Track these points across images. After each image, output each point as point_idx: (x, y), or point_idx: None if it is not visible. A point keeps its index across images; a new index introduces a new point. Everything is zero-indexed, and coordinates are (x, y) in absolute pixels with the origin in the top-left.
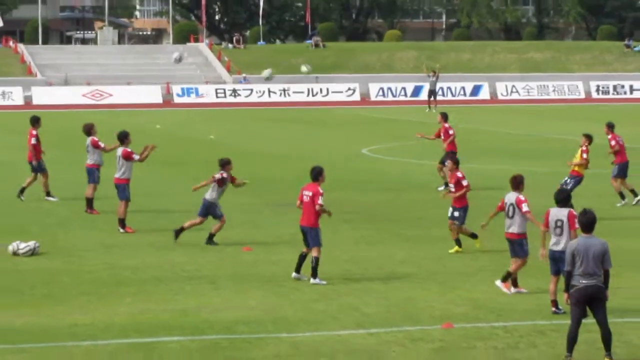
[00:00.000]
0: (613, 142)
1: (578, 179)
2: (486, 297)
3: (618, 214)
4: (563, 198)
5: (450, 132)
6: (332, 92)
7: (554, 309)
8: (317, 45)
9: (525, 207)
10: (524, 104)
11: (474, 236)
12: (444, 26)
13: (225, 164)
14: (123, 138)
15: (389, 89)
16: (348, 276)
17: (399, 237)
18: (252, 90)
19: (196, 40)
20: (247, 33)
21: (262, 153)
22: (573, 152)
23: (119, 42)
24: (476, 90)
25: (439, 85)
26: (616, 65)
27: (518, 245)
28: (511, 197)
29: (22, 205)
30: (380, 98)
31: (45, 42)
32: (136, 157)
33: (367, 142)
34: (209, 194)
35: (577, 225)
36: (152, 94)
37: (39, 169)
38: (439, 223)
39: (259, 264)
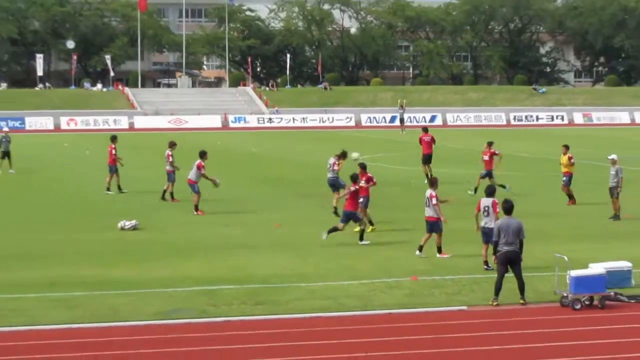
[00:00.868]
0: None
1: (570, 176)
2: (439, 259)
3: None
4: (490, 192)
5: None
6: (336, 119)
7: (485, 266)
8: (325, 88)
9: (434, 200)
10: (464, 128)
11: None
12: (411, 75)
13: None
14: (202, 154)
15: (374, 117)
16: (345, 243)
17: (379, 218)
18: (282, 118)
19: (244, 85)
20: (278, 80)
21: (288, 161)
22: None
23: (192, 86)
24: (433, 118)
25: (407, 115)
26: (526, 102)
27: (436, 225)
28: (428, 192)
29: (125, 197)
30: (368, 124)
31: (142, 86)
32: (204, 171)
33: (360, 153)
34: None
35: (497, 210)
36: (214, 121)
37: (112, 170)
38: (406, 208)
39: (286, 236)
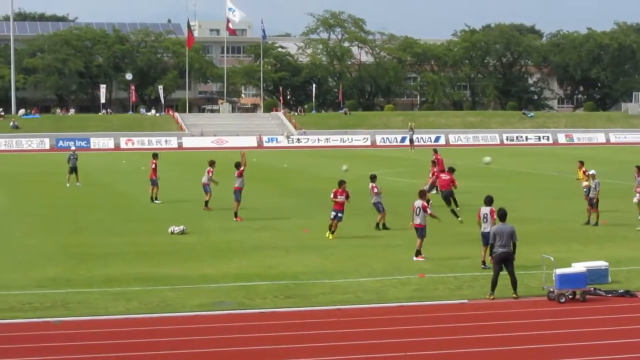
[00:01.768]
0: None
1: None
2: (443, 258)
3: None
4: (489, 201)
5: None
6: (354, 140)
7: (482, 266)
8: (345, 113)
9: (429, 210)
10: (464, 147)
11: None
12: (418, 102)
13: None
14: (238, 165)
15: (387, 138)
16: (363, 245)
17: (393, 224)
18: (308, 139)
19: (276, 110)
20: (305, 106)
21: (314, 174)
22: (490, 173)
23: (232, 111)
24: (437, 138)
25: (415, 136)
26: (517, 125)
27: (422, 230)
28: (417, 203)
29: (174, 206)
30: (382, 143)
31: (189, 111)
32: (242, 168)
33: (375, 168)
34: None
35: (495, 217)
36: (250, 141)
37: (154, 183)
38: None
39: (312, 239)
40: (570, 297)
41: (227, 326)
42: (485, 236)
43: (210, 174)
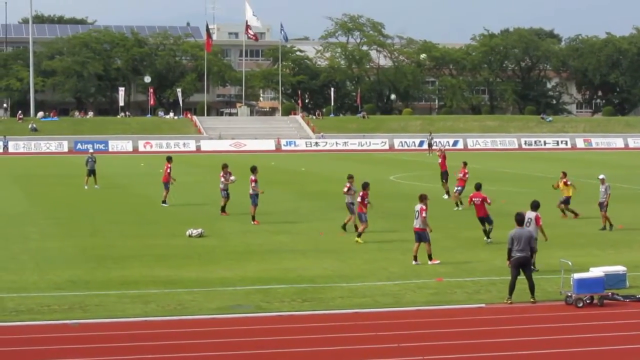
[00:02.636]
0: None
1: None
2: (460, 262)
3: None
4: (535, 206)
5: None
6: (372, 144)
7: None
8: (363, 117)
9: (424, 214)
10: (482, 151)
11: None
12: (437, 106)
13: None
14: (253, 169)
15: (405, 142)
16: (381, 249)
17: (409, 228)
18: (326, 142)
19: (294, 114)
20: (324, 110)
21: (331, 178)
22: (508, 177)
23: (250, 115)
24: (455, 142)
25: (433, 140)
26: (535, 129)
27: (423, 235)
28: (417, 206)
29: (192, 209)
30: (400, 147)
31: (208, 114)
32: (255, 184)
33: (392, 172)
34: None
35: (540, 223)
36: (269, 145)
37: (166, 187)
38: (431, 219)
39: (329, 242)
40: (588, 301)
41: (244, 329)
42: None
43: (232, 177)
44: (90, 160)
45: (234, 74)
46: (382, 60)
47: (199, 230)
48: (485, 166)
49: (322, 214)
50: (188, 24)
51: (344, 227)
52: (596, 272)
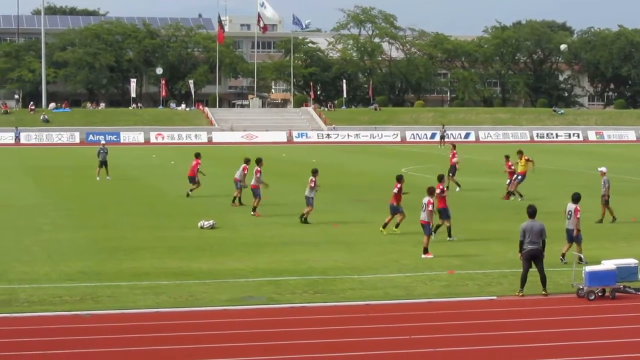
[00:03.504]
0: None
1: (523, 176)
2: (472, 255)
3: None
4: (576, 198)
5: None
6: (384, 136)
7: (562, 260)
8: (375, 109)
9: (430, 207)
10: (494, 143)
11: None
12: (448, 98)
13: (314, 172)
14: (258, 161)
15: (417, 134)
16: (392, 241)
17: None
18: (338, 134)
19: (306, 105)
20: (336, 102)
21: (343, 170)
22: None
23: (262, 106)
24: (467, 135)
25: (446, 132)
26: (547, 122)
27: (426, 228)
28: (425, 199)
29: (204, 200)
30: (412, 139)
31: (220, 106)
32: (260, 177)
33: (405, 164)
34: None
35: (578, 215)
36: (280, 137)
37: (192, 181)
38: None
39: (342, 234)
40: (599, 294)
41: (255, 321)
42: (569, 231)
43: (246, 171)
44: (102, 151)
45: (246, 66)
46: (394, 52)
47: (211, 222)
48: (497, 158)
49: (334, 206)
50: (200, 15)
51: (303, 219)
52: (608, 264)
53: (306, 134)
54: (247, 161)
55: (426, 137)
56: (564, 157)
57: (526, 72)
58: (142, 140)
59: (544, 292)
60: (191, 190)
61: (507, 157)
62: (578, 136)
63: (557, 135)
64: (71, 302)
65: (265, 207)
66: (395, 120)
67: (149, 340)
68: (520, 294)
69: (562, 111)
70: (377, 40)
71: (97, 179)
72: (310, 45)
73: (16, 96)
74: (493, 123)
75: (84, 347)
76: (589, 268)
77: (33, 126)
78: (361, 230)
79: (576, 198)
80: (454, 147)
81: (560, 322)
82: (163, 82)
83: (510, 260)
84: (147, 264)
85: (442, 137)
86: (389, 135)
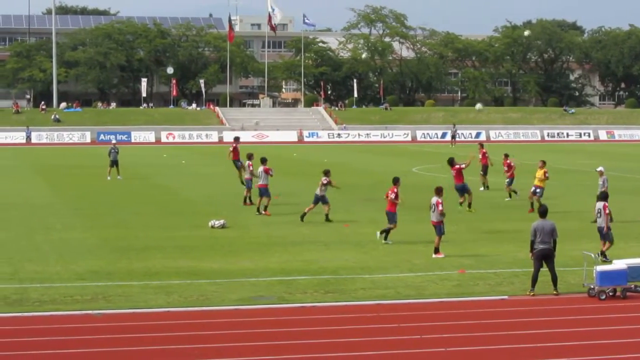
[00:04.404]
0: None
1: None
2: (483, 254)
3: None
4: (603, 197)
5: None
6: (395, 135)
7: (603, 258)
8: (386, 109)
9: (440, 207)
10: (504, 143)
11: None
12: (459, 98)
13: (326, 173)
14: (264, 160)
15: (428, 133)
16: (404, 241)
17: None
18: (349, 134)
19: (317, 105)
20: (346, 101)
21: (354, 170)
22: (531, 169)
23: (273, 106)
24: (478, 134)
25: (457, 132)
26: (558, 121)
27: (437, 228)
28: (433, 199)
29: (214, 200)
30: (422, 139)
31: (230, 105)
32: (271, 172)
33: (415, 164)
34: (319, 190)
35: (607, 212)
36: (291, 136)
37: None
38: (454, 211)
39: (353, 234)
40: (610, 294)
41: (266, 320)
42: (600, 230)
43: (250, 168)
44: (113, 151)
45: (257, 65)
46: (404, 51)
47: (222, 222)
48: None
49: (345, 205)
50: (211, 15)
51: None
52: (619, 264)
53: (317, 133)
54: (249, 157)
55: (437, 137)
56: (575, 156)
57: (537, 71)
58: (153, 139)
59: (555, 292)
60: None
61: (481, 145)
62: (589, 135)
63: (567, 135)
64: (82, 302)
65: (275, 206)
66: (406, 120)
67: (160, 340)
68: (531, 293)
69: (573, 110)
70: (387, 39)
71: (108, 178)
72: (320, 44)
73: (27, 96)
74: (504, 122)
75: (95, 347)
76: (600, 268)
77: (44, 126)
78: (372, 230)
79: (604, 196)
80: (482, 146)
81: (571, 321)
82: (174, 81)
83: (522, 259)
84: (158, 264)
85: (453, 136)
86: (399, 134)
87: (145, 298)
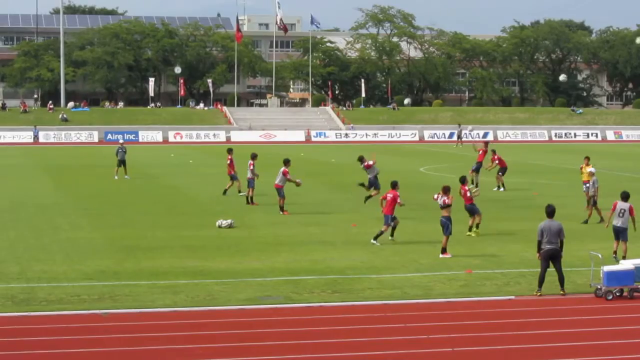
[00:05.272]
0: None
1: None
2: (490, 254)
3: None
4: (626, 196)
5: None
6: (402, 135)
7: (614, 257)
8: (394, 108)
9: (447, 200)
10: (512, 143)
11: None
12: (467, 98)
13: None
14: (286, 162)
15: (435, 133)
16: (411, 241)
17: (438, 220)
18: (356, 134)
19: (325, 105)
20: (354, 101)
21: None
22: (538, 169)
23: (280, 106)
24: (485, 134)
25: (464, 132)
26: (566, 121)
27: (445, 225)
28: (440, 199)
29: (225, 200)
30: (430, 139)
31: (238, 105)
32: (289, 176)
33: (423, 164)
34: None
35: (634, 213)
36: (298, 136)
37: (234, 178)
38: (462, 211)
39: (359, 234)
40: (617, 294)
41: (273, 320)
42: (617, 231)
43: (252, 167)
44: (120, 150)
45: (265, 65)
46: (412, 51)
47: (229, 221)
48: (515, 158)
49: (352, 205)
50: (218, 14)
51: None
52: (626, 264)
53: (324, 133)
54: (253, 157)
55: (444, 137)
56: (583, 156)
57: (544, 71)
58: (160, 139)
59: (562, 292)
60: (238, 188)
61: (493, 151)
62: (596, 136)
63: (575, 135)
64: (89, 301)
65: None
66: (413, 120)
67: (166, 340)
68: (538, 293)
69: (580, 111)
70: (395, 39)
71: (116, 178)
72: (328, 44)
73: (35, 95)
74: (511, 123)
75: (102, 346)
76: (607, 268)
77: (52, 125)
78: (379, 230)
79: (626, 196)
80: (494, 152)
81: (578, 322)
82: (181, 81)
83: (529, 260)
84: (165, 263)
85: (459, 136)
86: (407, 134)
87: (152, 298)
